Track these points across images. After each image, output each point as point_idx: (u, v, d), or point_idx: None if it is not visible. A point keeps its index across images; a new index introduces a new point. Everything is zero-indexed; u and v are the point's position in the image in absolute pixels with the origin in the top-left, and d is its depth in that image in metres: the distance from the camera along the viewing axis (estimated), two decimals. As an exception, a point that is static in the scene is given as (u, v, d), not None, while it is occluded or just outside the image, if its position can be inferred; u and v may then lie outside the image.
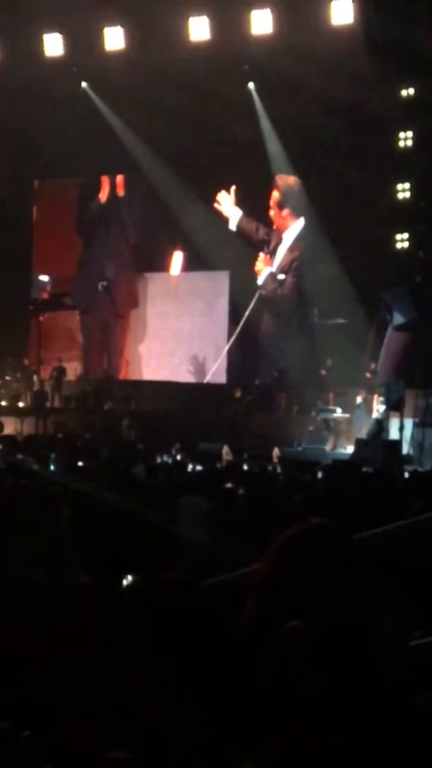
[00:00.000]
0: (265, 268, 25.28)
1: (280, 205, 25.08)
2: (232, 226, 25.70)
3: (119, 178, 27.32)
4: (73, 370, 26.71)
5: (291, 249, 25.12)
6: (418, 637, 2.34)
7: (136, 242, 27.55)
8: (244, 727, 1.38)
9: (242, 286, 25.18)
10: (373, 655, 1.54)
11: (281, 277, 25.07)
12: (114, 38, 23.29)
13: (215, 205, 25.54)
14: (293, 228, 25.12)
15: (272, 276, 25.18)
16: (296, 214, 24.87)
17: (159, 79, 22.75)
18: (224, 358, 25.86)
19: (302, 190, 24.26)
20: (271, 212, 25.25)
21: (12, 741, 1.37)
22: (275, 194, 25.05)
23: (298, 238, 24.98)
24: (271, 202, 25.15)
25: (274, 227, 25.32)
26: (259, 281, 25.23)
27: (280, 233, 25.29)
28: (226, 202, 25.65)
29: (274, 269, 25.22)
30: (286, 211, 25.08)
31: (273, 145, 24.32)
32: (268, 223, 25.29)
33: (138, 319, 27.63)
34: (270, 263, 25.27)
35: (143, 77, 23.05)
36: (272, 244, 25.34)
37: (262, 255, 25.29)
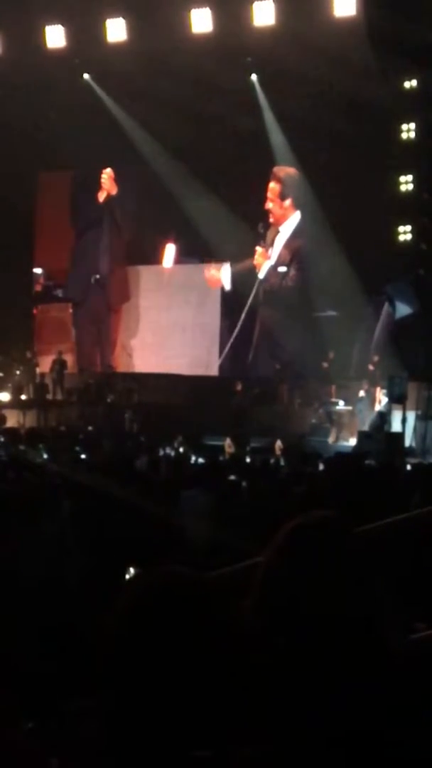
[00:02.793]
0: (265, 262, 25.24)
1: (282, 196, 25.01)
2: (228, 285, 25.66)
3: (112, 172, 27.24)
4: (68, 362, 26.75)
5: (291, 241, 25.09)
6: (420, 630, 2.34)
7: (130, 237, 27.56)
8: (243, 720, 1.38)
9: (238, 278, 25.18)
10: (375, 647, 1.54)
11: (282, 269, 25.05)
12: (116, 30, 23.23)
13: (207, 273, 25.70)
14: (292, 220, 25.10)
15: (273, 269, 25.14)
16: (297, 205, 24.83)
17: (161, 70, 22.71)
18: (217, 351, 25.89)
19: (302, 180, 24.22)
20: (269, 204, 25.13)
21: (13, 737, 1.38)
22: (274, 185, 24.97)
23: (298, 230, 24.95)
24: (270, 194, 25.05)
25: (271, 220, 25.23)
26: (261, 275, 25.18)
27: (277, 226, 25.24)
28: (213, 273, 25.73)
29: (273, 262, 25.19)
30: (288, 202, 25.02)
31: (276, 137, 24.28)
32: (261, 216, 25.12)
33: (131, 312, 27.63)
34: (268, 257, 25.23)
35: (145, 69, 23.01)
36: (268, 238, 25.28)
37: (260, 249, 25.21)
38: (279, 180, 24.92)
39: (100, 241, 27.83)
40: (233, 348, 25.60)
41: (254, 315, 25.15)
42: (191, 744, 1.34)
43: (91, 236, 27.97)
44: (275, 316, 24.80)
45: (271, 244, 25.26)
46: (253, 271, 25.23)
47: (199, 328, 26.25)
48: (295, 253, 24.94)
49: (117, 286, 27.67)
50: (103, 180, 27.35)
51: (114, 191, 27.34)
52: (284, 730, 1.46)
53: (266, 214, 25.20)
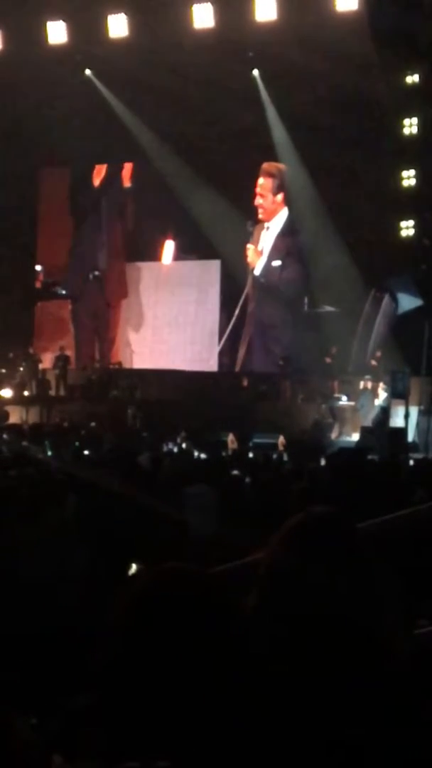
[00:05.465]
0: (259, 260, 25.33)
1: (275, 191, 25.08)
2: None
3: (126, 166, 27.28)
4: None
5: (283, 236, 25.19)
6: (423, 626, 2.35)
7: (130, 231, 27.61)
8: (246, 717, 1.38)
9: (238, 275, 25.24)
10: (378, 644, 1.54)
11: (276, 263, 25.13)
12: (118, 25, 23.22)
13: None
14: (281, 215, 25.24)
15: (268, 264, 25.23)
16: (288, 200, 24.93)
17: (163, 66, 22.70)
18: (216, 347, 25.92)
19: (297, 175, 24.29)
20: (259, 200, 25.20)
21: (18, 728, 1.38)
22: (265, 181, 25.06)
23: (288, 225, 25.04)
24: (260, 190, 25.13)
25: (261, 216, 25.28)
26: (257, 271, 25.27)
27: (265, 221, 25.34)
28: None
29: (266, 258, 25.28)
30: (280, 197, 25.13)
31: (277, 132, 24.27)
32: (244, 214, 25.15)
33: (130, 308, 27.68)
34: (260, 253, 25.33)
35: (147, 65, 22.99)
36: (257, 235, 25.35)
37: (251, 247, 25.26)
38: (271, 175, 25.00)
39: (98, 237, 27.87)
40: (230, 344, 25.71)
41: (253, 310, 25.25)
42: (192, 741, 1.34)
43: (89, 232, 28.00)
44: (271, 311, 24.89)
45: (261, 240, 25.37)
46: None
47: (198, 325, 26.32)
48: (288, 248, 25.05)
49: (114, 282, 27.75)
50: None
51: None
52: (286, 728, 1.46)
53: (255, 211, 25.26)
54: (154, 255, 27.31)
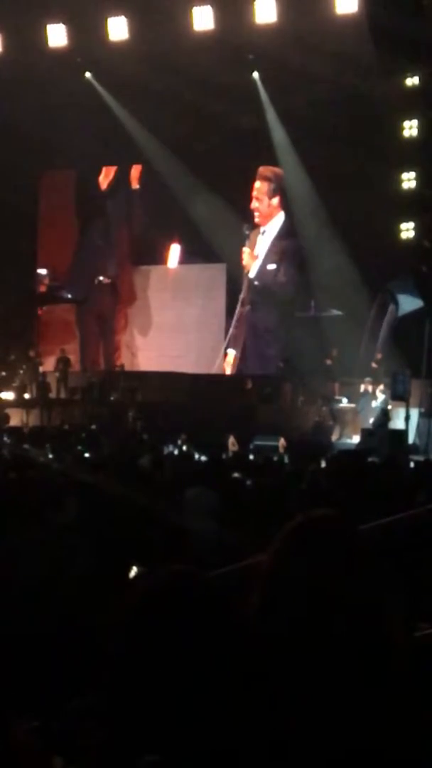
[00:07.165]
0: (254, 263, 25.40)
1: (270, 194, 25.17)
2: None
3: (134, 168, 27.30)
4: (71, 361, 26.83)
5: (279, 239, 25.27)
6: (425, 628, 2.35)
7: (136, 235, 27.63)
8: (247, 717, 1.38)
9: (239, 278, 25.31)
10: (379, 646, 1.54)
11: (271, 266, 25.20)
12: (118, 28, 23.19)
13: None
14: (277, 219, 25.33)
15: (263, 267, 25.30)
16: (284, 204, 24.99)
17: (163, 69, 22.70)
18: (222, 350, 25.94)
19: (294, 179, 24.36)
20: (255, 203, 25.31)
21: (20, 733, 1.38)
22: (261, 185, 25.18)
23: (284, 229, 25.11)
24: (256, 193, 25.25)
25: (257, 219, 25.35)
26: (251, 274, 25.34)
27: (261, 225, 25.44)
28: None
29: (261, 261, 25.35)
30: (275, 200, 25.21)
31: (277, 135, 24.29)
32: (245, 217, 25.21)
33: (136, 312, 27.69)
34: (255, 257, 25.42)
35: (147, 67, 22.99)
36: (253, 238, 25.41)
37: (247, 250, 25.34)
38: (267, 179, 25.11)
39: (104, 241, 27.88)
40: (229, 346, 25.79)
41: (246, 314, 25.33)
42: (194, 742, 1.34)
43: (95, 235, 28.02)
44: (265, 315, 24.97)
45: (257, 244, 25.46)
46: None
47: (203, 328, 26.34)
48: (284, 251, 25.13)
49: (122, 286, 27.80)
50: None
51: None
52: (286, 729, 1.46)
53: (251, 214, 25.33)
54: (160, 259, 27.34)
